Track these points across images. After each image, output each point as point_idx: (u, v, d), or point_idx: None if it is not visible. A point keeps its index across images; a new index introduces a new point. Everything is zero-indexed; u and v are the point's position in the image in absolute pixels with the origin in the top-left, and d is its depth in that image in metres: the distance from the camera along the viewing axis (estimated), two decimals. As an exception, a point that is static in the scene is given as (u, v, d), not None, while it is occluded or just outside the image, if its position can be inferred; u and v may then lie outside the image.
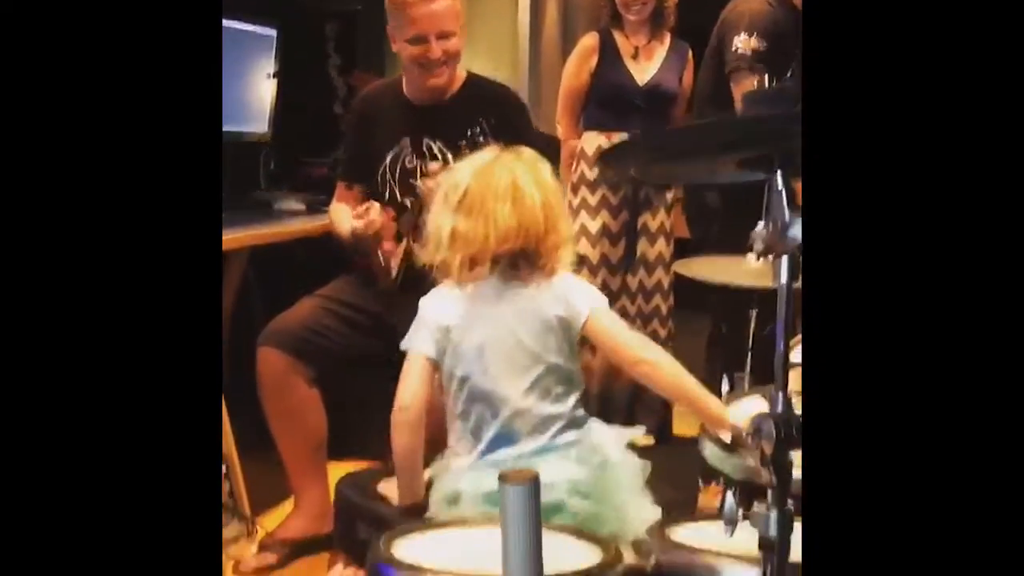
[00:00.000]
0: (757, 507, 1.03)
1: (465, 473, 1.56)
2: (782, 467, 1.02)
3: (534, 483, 0.98)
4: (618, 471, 1.60)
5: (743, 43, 2.58)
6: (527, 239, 1.56)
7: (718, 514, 1.58)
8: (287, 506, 2.59)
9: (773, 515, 1.01)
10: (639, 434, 1.79)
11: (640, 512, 1.53)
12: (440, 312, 1.63)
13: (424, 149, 2.46)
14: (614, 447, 1.64)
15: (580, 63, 3.39)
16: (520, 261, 1.59)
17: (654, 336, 3.44)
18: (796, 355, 1.68)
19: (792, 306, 1.04)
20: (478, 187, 1.59)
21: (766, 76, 2.57)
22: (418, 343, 1.62)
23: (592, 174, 3.34)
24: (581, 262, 3.15)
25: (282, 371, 2.35)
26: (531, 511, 0.98)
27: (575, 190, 3.40)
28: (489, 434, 1.58)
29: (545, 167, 1.64)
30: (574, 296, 1.63)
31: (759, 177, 1.06)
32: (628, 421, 3.40)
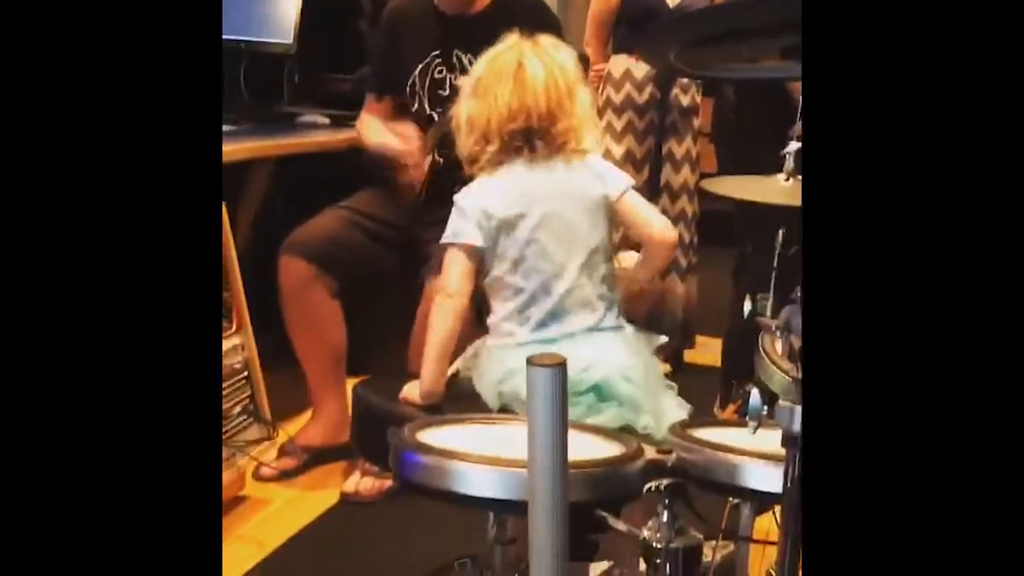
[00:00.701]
0: (782, 402, 1.03)
1: (516, 350, 1.60)
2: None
3: (562, 367, 0.98)
4: (657, 367, 1.69)
5: None
6: (529, 118, 1.62)
7: (741, 420, 1.61)
8: (307, 416, 2.62)
9: (798, 410, 1.01)
10: (665, 340, 1.83)
11: (673, 412, 1.62)
12: (481, 200, 1.66)
13: (455, 61, 2.44)
14: (647, 346, 1.72)
15: (610, -16, 3.33)
16: (536, 141, 1.64)
17: (676, 265, 3.44)
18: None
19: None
20: (488, 72, 1.67)
21: None
22: (463, 233, 1.65)
23: (619, 98, 3.30)
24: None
25: (305, 280, 2.35)
26: (558, 394, 0.98)
27: (600, 114, 3.36)
28: (540, 313, 1.63)
29: (562, 52, 1.69)
30: (609, 176, 1.70)
31: (790, 74, 1.04)
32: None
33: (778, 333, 1.01)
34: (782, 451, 1.07)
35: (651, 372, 1.66)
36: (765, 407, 1.05)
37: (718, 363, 3.07)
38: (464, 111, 1.69)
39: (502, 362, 1.60)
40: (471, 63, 2.41)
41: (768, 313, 2.07)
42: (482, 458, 1.12)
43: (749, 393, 2.01)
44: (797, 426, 1.02)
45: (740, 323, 2.43)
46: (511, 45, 1.70)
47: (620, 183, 1.70)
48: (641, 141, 3.32)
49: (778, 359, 1.14)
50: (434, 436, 1.23)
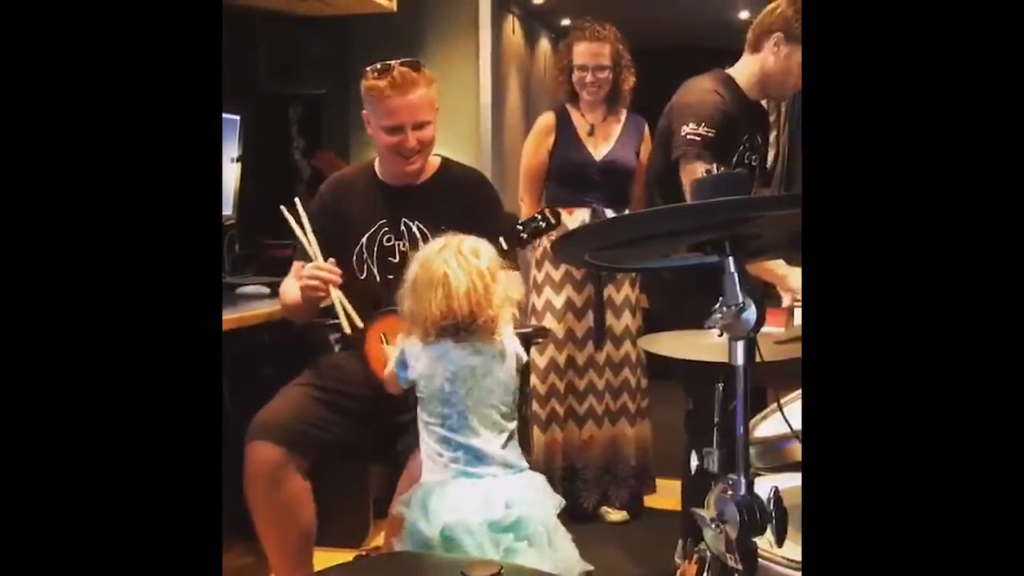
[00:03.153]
0: (724, 594, 1.02)
1: (451, 483, 1.93)
2: (747, 552, 1.01)
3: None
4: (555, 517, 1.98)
5: (690, 131, 2.60)
6: (455, 317, 1.98)
7: None
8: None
9: (742, 602, 1.01)
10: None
11: (577, 563, 1.97)
12: (414, 361, 2.04)
13: (402, 228, 2.49)
14: (552, 494, 2.02)
15: (538, 141, 3.44)
16: (461, 332, 2.00)
17: (624, 410, 3.44)
18: (766, 429, 1.68)
19: (749, 388, 1.04)
20: (421, 275, 2.03)
21: (713, 164, 2.59)
22: (391, 358, 2.09)
23: (555, 249, 3.37)
24: (544, 334, 3.15)
25: (275, 465, 2.27)
26: (496, 607, 0.97)
27: (539, 265, 3.42)
28: (465, 456, 1.96)
29: (482, 255, 2.04)
30: (519, 350, 2.08)
31: (712, 260, 1.07)
32: (602, 494, 3.43)
33: (713, 527, 1.01)
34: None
35: (550, 511, 1.96)
36: (707, 600, 1.04)
37: (679, 507, 3.04)
38: (407, 306, 2.05)
39: (442, 494, 1.93)
40: (418, 230, 2.48)
41: (715, 467, 2.08)
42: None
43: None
44: (742, 619, 1.00)
45: (691, 478, 2.42)
46: (440, 249, 2.03)
47: (524, 356, 2.10)
48: (580, 290, 3.36)
49: (773, 552, 1.14)
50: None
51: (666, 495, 3.48)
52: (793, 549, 1.23)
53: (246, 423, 2.31)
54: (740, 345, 1.00)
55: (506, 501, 1.89)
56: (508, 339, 2.06)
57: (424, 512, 1.93)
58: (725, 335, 2.02)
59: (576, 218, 3.33)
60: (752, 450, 1.57)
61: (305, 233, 2.41)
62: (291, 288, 2.53)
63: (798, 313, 2.62)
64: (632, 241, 0.96)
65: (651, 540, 3.25)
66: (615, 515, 3.44)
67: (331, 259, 2.38)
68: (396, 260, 2.47)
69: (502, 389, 2.02)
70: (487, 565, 0.95)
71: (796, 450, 1.33)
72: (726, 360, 2.08)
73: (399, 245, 2.48)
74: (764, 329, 2.02)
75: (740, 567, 1.00)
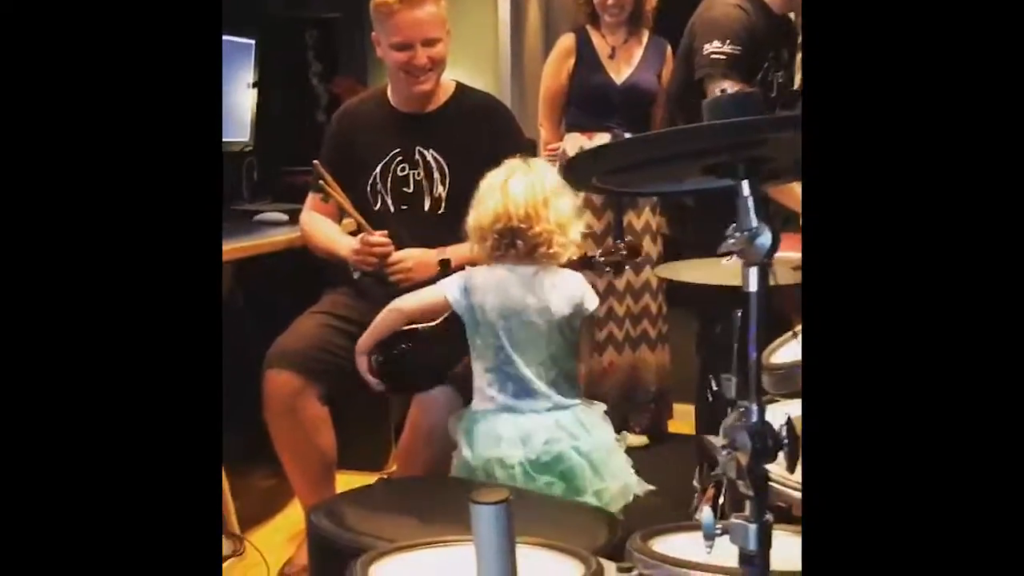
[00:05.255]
0: (736, 520, 1.01)
1: (494, 414, 1.98)
2: (759, 478, 1.00)
3: (505, 504, 0.96)
4: (607, 435, 2.03)
5: (714, 49, 2.52)
6: (511, 221, 2.00)
7: (692, 523, 1.59)
8: (276, 522, 2.55)
9: (752, 528, 1.00)
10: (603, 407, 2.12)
11: (630, 477, 2.05)
12: (473, 284, 2.04)
13: (416, 157, 2.45)
14: (596, 417, 2.06)
15: (558, 64, 3.37)
16: (517, 242, 2.00)
17: (645, 336, 3.43)
18: (782, 355, 1.67)
19: (764, 314, 1.02)
20: (484, 187, 2.06)
21: (741, 85, 2.53)
22: (448, 287, 2.05)
23: (576, 175, 3.33)
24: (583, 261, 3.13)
25: (293, 392, 2.28)
26: (504, 530, 0.96)
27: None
28: (512, 388, 1.99)
29: (547, 171, 2.07)
30: (588, 296, 2.06)
31: (727, 184, 1.04)
32: (622, 418, 3.44)
33: (725, 453, 1.00)
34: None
35: (599, 441, 2.00)
36: (719, 526, 1.03)
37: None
38: (469, 220, 2.08)
39: (484, 427, 1.98)
40: (433, 159, 2.45)
41: (732, 394, 2.07)
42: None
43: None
44: (753, 544, 1.00)
45: (707, 404, 2.42)
46: (506, 167, 2.07)
47: (593, 305, 2.07)
48: (599, 215, 3.33)
49: (788, 477, 1.12)
50: (386, 571, 1.20)
51: (684, 420, 3.49)
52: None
53: (264, 351, 2.33)
54: (753, 271, 0.98)
55: (546, 439, 1.93)
56: (571, 277, 2.06)
57: (468, 441, 1.99)
58: (734, 260, 2.02)
59: (596, 142, 3.28)
60: (767, 377, 1.56)
61: (349, 193, 2.40)
62: (319, 225, 2.52)
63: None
64: (643, 164, 0.94)
65: (671, 465, 3.26)
66: (635, 440, 3.45)
67: (383, 231, 2.37)
68: (411, 190, 2.44)
69: (557, 332, 2.01)
70: (495, 491, 0.95)
71: (760, 384, 1.31)
72: (732, 284, 2.09)
73: (414, 175, 2.45)
74: (782, 254, 2.00)
75: (752, 493, 0.99)
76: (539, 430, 1.94)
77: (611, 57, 3.30)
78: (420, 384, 2.23)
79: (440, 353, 2.16)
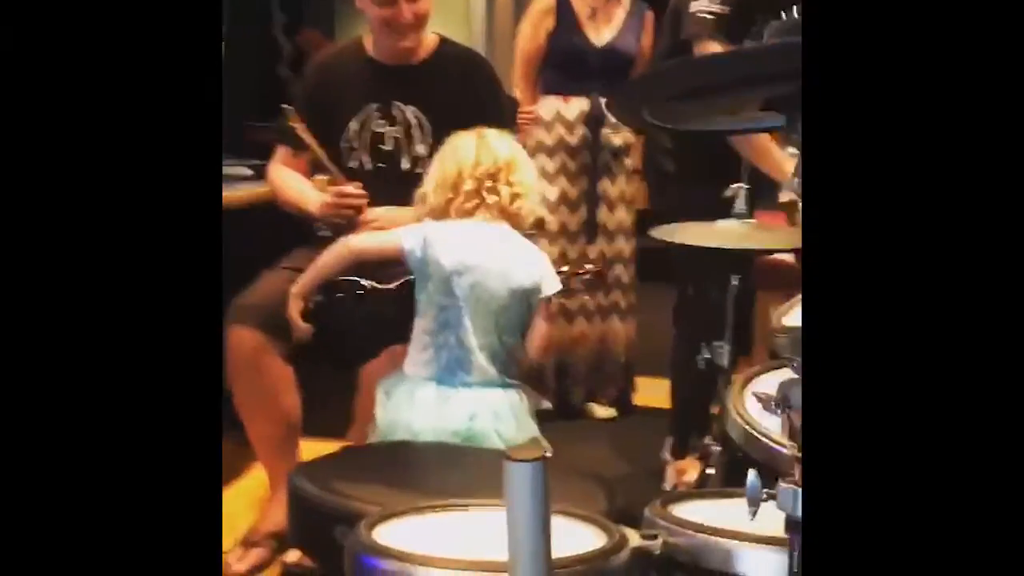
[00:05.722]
0: (783, 485, 0.94)
1: (424, 384, 1.88)
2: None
3: (543, 461, 0.88)
4: (530, 430, 1.93)
5: (703, 7, 2.46)
6: (476, 172, 1.93)
7: (721, 490, 1.53)
8: (237, 487, 2.45)
9: (800, 492, 0.93)
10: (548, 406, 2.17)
11: None
12: (434, 236, 1.91)
13: (395, 113, 2.33)
14: (528, 407, 1.97)
15: (535, 24, 3.27)
16: (484, 195, 1.93)
17: (615, 307, 3.37)
18: (795, 318, 1.61)
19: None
20: (446, 146, 2.02)
21: (726, 44, 2.47)
22: (406, 235, 1.93)
23: (550, 139, 3.24)
24: (540, 227, 3.05)
25: (255, 349, 2.17)
26: (539, 490, 0.88)
27: (532, 155, 3.29)
28: (449, 357, 1.88)
29: (500, 139, 2.03)
30: (548, 278, 1.96)
31: (775, 124, 0.96)
32: (589, 391, 3.38)
33: (777, 411, 0.92)
34: (781, 533, 0.99)
35: (523, 434, 1.89)
36: (764, 490, 0.96)
37: (663, 404, 3.00)
38: (429, 180, 1.99)
39: (411, 394, 1.88)
40: (414, 115, 2.34)
41: (725, 362, 2.02)
42: (453, 562, 1.00)
43: (710, 453, 1.94)
44: (800, 510, 0.93)
45: (694, 371, 2.37)
46: (462, 135, 2.02)
47: (554, 288, 1.97)
48: (574, 182, 3.25)
49: (776, 437, 1.06)
50: (393, 534, 1.11)
51: (647, 393, 3.45)
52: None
53: (228, 307, 2.22)
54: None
55: (471, 413, 1.84)
56: (536, 253, 1.99)
57: (384, 402, 1.91)
58: (733, 222, 1.96)
59: (573, 107, 3.21)
60: (781, 339, 1.50)
61: (321, 147, 2.27)
62: (288, 179, 2.41)
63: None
64: (703, 91, 0.85)
65: (638, 437, 3.22)
66: (603, 411, 3.40)
67: (357, 182, 2.26)
68: (388, 148, 2.33)
69: (511, 301, 1.91)
70: (530, 448, 0.86)
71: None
72: (746, 247, 2.03)
73: (392, 132, 2.34)
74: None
75: (802, 455, 0.92)
76: (464, 404, 1.85)
77: (591, 18, 3.21)
78: (349, 348, 2.13)
79: (384, 321, 2.04)
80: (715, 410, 2.33)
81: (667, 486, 2.82)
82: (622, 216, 3.31)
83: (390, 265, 2.00)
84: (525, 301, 1.93)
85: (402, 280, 2.00)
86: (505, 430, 1.85)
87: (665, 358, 2.94)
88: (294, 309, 1.99)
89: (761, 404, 1.06)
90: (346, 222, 2.25)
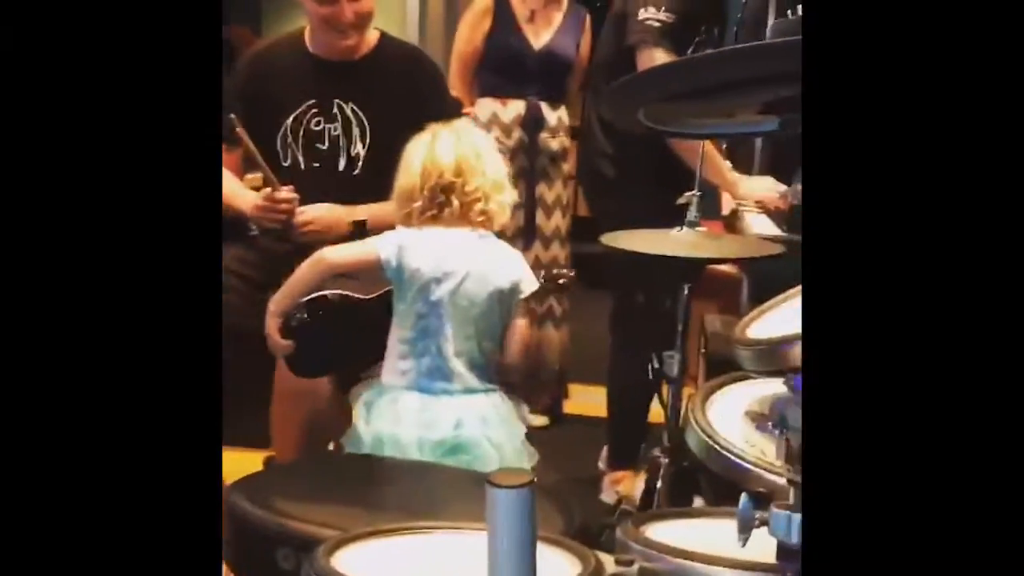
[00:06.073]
0: (777, 509, 0.89)
1: (403, 392, 1.83)
2: (807, 462, 0.88)
3: (530, 486, 0.82)
4: (518, 432, 1.89)
5: (650, 15, 2.43)
6: (443, 177, 1.87)
7: (691, 510, 1.49)
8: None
9: (796, 518, 0.88)
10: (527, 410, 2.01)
11: None
12: (408, 243, 1.87)
13: (335, 111, 2.24)
14: (514, 411, 1.92)
15: (473, 25, 3.21)
16: (452, 198, 1.87)
17: (550, 313, 3.32)
18: (758, 330, 1.57)
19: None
20: (410, 146, 1.93)
21: (670, 52, 2.45)
22: (382, 244, 1.87)
23: (486, 142, 3.18)
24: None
25: None
26: (527, 518, 0.82)
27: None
28: (429, 365, 1.84)
29: (476, 131, 2.03)
30: (526, 277, 1.92)
31: (768, 128, 0.92)
32: (523, 398, 3.32)
33: (775, 432, 0.87)
34: (764, 558, 0.94)
35: (512, 436, 1.87)
36: (757, 514, 0.91)
37: (597, 413, 2.97)
38: (397, 185, 1.93)
39: (389, 402, 1.83)
40: (352, 112, 2.25)
41: (675, 372, 1.98)
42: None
43: (656, 463, 1.89)
44: (796, 538, 0.88)
45: (633, 380, 2.32)
46: (430, 129, 1.94)
47: (532, 287, 1.93)
48: (512, 186, 3.19)
49: (769, 461, 1.01)
50: (354, 559, 1.03)
51: (580, 401, 3.40)
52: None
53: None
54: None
55: (456, 421, 1.80)
56: (512, 252, 1.97)
57: (366, 414, 1.84)
58: (685, 230, 1.92)
59: (511, 110, 3.15)
60: (744, 352, 1.46)
61: (256, 146, 2.17)
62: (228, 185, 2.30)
63: (747, 216, 2.52)
64: (700, 92, 0.80)
65: (573, 446, 3.17)
66: (536, 420, 3.34)
67: (289, 186, 2.16)
68: (325, 147, 2.24)
69: (490, 304, 1.87)
70: (516, 473, 0.80)
71: (796, 353, 1.21)
72: (702, 257, 2.00)
73: (330, 129, 2.24)
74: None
75: (799, 478, 0.88)
76: (448, 412, 1.80)
77: (530, 21, 3.16)
78: (334, 364, 2.04)
79: (363, 334, 1.96)
80: (659, 420, 2.30)
81: (604, 497, 2.78)
82: (558, 221, 3.27)
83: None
84: (503, 303, 1.89)
85: (380, 292, 1.94)
86: (495, 435, 1.81)
87: (598, 366, 2.91)
88: (273, 327, 1.89)
89: (755, 424, 1.01)
90: (280, 225, 2.16)
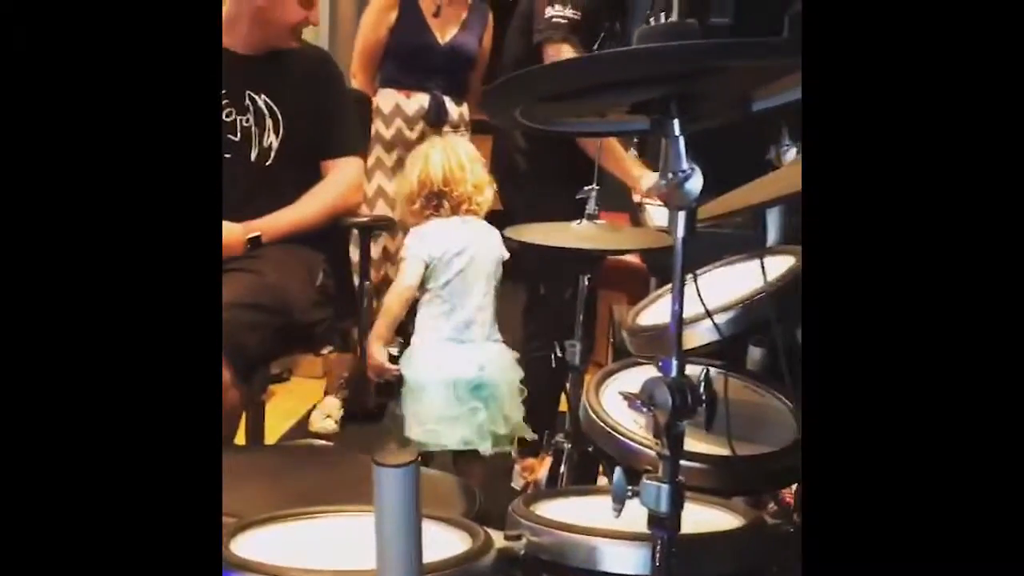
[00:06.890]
0: (647, 480, 0.96)
1: (441, 343, 2.33)
2: (675, 437, 0.95)
3: (414, 465, 0.86)
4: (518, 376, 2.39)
5: (556, 12, 2.49)
6: (432, 187, 2.40)
7: (579, 488, 1.54)
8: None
9: (665, 489, 0.94)
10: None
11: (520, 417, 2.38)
12: (425, 243, 2.38)
13: (247, 103, 2.24)
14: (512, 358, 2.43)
15: (378, 17, 3.21)
16: (443, 201, 2.40)
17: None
18: (648, 317, 1.64)
19: (683, 265, 0.97)
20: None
21: (576, 47, 2.51)
22: (415, 249, 2.38)
23: (389, 133, 3.19)
24: (388, 226, 2.99)
25: None
26: (411, 497, 0.86)
27: (369, 149, 3.23)
28: (457, 320, 2.34)
29: (462, 144, 2.51)
30: (503, 248, 2.44)
31: (638, 128, 0.98)
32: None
33: (644, 409, 0.94)
34: (641, 528, 1.00)
35: (514, 378, 2.37)
36: (630, 488, 0.97)
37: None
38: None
39: (429, 351, 2.32)
40: (265, 105, 2.25)
41: (577, 360, 2.05)
42: (317, 573, 0.97)
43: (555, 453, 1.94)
44: (665, 507, 0.95)
45: (542, 369, 2.39)
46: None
47: (506, 256, 2.46)
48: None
49: (641, 435, 1.07)
50: (254, 544, 1.06)
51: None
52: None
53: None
54: (681, 216, 0.92)
55: (481, 364, 2.28)
56: (493, 231, 2.42)
57: (408, 364, 2.29)
58: (588, 224, 1.99)
59: (414, 103, 3.17)
60: (633, 339, 1.53)
61: None
62: None
63: (650, 209, 2.60)
64: (576, 92, 0.86)
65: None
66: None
67: None
68: (238, 139, 2.24)
69: (496, 270, 2.39)
70: (401, 452, 0.84)
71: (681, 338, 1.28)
72: (598, 248, 2.06)
73: (242, 121, 2.24)
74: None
75: (668, 452, 0.94)
76: (475, 356, 2.28)
77: (435, 15, 3.18)
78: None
79: None
80: (562, 408, 2.37)
81: (515, 484, 2.83)
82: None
83: None
84: (496, 269, 2.40)
85: None
86: (506, 377, 2.32)
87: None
88: (382, 357, 2.32)
89: (627, 403, 1.08)
90: None
